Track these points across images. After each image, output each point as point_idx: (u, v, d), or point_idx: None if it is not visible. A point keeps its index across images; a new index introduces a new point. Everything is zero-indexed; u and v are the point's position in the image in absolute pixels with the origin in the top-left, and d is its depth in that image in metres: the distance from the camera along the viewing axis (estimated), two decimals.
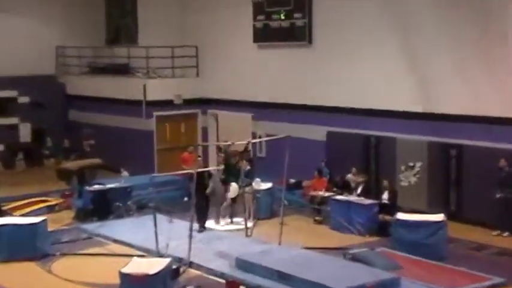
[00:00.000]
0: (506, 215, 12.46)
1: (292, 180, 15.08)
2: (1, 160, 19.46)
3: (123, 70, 19.46)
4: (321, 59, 15.86)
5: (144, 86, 18.03)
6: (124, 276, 9.52)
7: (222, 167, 13.77)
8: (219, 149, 16.29)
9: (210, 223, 13.26)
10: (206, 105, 18.69)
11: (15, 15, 19.92)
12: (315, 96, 15.95)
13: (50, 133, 19.91)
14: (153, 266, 9.78)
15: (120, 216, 14.05)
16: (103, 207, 14.08)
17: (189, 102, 18.42)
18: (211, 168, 14.61)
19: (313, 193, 14.20)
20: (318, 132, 15.71)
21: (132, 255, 10.95)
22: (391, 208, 12.78)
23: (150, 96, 18.06)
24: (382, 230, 12.64)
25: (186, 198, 15.16)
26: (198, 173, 11.77)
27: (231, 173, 13.41)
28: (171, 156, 17.18)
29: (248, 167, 13.93)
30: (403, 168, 14.20)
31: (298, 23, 16.18)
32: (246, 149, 13.72)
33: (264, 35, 17.08)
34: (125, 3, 20.54)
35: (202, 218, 12.90)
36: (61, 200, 15.22)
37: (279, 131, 14.80)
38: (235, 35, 17.90)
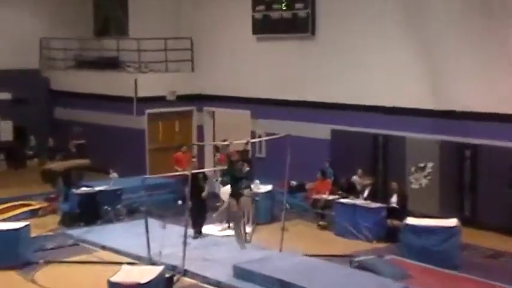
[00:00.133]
0: None
1: (293, 183, 15.08)
2: None
3: (112, 64, 19.44)
4: (324, 52, 15.84)
5: (135, 81, 18.01)
6: (113, 286, 9.51)
7: (224, 167, 13.73)
8: (215, 148, 16.27)
9: (210, 228, 13.25)
10: (202, 102, 18.67)
11: None
12: (318, 92, 15.93)
13: (33, 132, 19.88)
14: (144, 274, 9.77)
15: (109, 221, 14.04)
16: (91, 211, 14.07)
17: (183, 99, 18.40)
18: (207, 169, 14.59)
19: (316, 196, 14.19)
20: (321, 131, 15.70)
21: (121, 263, 10.92)
22: (400, 212, 12.77)
23: (142, 92, 18.04)
24: (390, 235, 12.63)
25: (180, 202, 15.19)
26: (193, 175, 11.74)
27: (231, 174, 13.35)
28: (164, 157, 17.16)
29: (247, 168, 13.88)
30: (413, 169, 14.18)
31: (301, 14, 16.17)
32: (244, 149, 13.69)
33: (263, 27, 17.05)
34: None
35: (197, 223, 12.89)
36: (45, 204, 15.19)
37: (279, 129, 14.79)
38: (233, 27, 17.87)
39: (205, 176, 13.14)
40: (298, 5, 16.20)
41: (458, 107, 13.62)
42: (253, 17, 17.21)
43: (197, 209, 12.66)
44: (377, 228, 12.81)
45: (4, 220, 13.58)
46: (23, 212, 14.57)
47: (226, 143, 13.04)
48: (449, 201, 13.68)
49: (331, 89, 15.68)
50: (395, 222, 12.61)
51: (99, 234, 13.21)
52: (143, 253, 11.45)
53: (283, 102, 16.65)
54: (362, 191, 13.79)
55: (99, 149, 17.94)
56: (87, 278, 11.10)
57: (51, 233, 13.52)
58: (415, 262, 11.14)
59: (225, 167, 13.73)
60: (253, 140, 14.90)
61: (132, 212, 14.49)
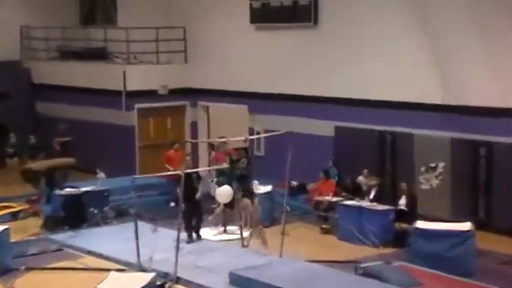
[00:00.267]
0: None
1: (294, 183, 15.08)
2: None
3: (99, 55, 19.39)
4: (328, 43, 15.81)
5: (124, 74, 17.97)
6: None
7: (219, 166, 13.71)
8: (211, 146, 16.25)
9: (205, 232, 13.23)
10: (195, 97, 18.64)
11: None
12: (321, 86, 15.91)
13: (13, 128, 19.79)
14: (134, 282, 9.80)
15: (95, 224, 14.01)
16: (76, 214, 14.04)
17: (175, 93, 18.38)
18: (202, 169, 14.57)
19: (318, 198, 14.18)
20: (324, 128, 15.68)
21: (109, 270, 10.91)
22: (410, 215, 12.76)
23: (131, 86, 18.00)
24: (398, 240, 12.63)
25: (172, 204, 15.17)
26: (186, 175, 11.72)
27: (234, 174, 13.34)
28: (155, 155, 17.14)
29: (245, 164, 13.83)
30: (423, 169, 14.17)
31: (302, 2, 16.14)
32: (243, 147, 13.69)
33: (262, 15, 17.02)
34: None
35: (190, 227, 12.87)
36: (26, 206, 15.16)
37: (279, 126, 14.77)
38: (230, 15, 17.83)
39: (199, 176, 13.13)
40: None
41: (471, 102, 13.59)
42: (251, 5, 17.17)
43: (190, 211, 12.64)
44: (384, 232, 12.79)
45: None
46: (2, 215, 14.53)
47: (223, 139, 13.01)
48: (462, 203, 13.67)
49: (334, 82, 15.65)
50: (404, 226, 12.62)
51: (84, 238, 13.18)
52: (133, 259, 11.41)
53: (283, 96, 16.63)
54: (368, 192, 13.79)
55: (85, 147, 17.93)
56: (72, 286, 11.06)
57: (32, 238, 13.48)
58: (425, 269, 11.13)
59: (221, 166, 13.71)
60: (251, 137, 14.87)
61: (120, 215, 14.46)
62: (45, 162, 16.24)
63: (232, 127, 16.56)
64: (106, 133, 18.33)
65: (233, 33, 17.75)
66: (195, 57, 18.64)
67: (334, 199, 13.84)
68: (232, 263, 11.44)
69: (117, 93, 18.08)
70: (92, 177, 15.70)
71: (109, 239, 13.07)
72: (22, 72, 20.49)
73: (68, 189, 14.63)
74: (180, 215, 11.47)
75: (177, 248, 11.07)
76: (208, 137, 18.02)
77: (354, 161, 14.70)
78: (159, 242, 11.75)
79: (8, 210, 14.79)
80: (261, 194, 14.19)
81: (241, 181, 12.76)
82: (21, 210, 14.93)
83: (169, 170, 14.39)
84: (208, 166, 15.99)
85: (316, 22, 16.01)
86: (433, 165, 14.04)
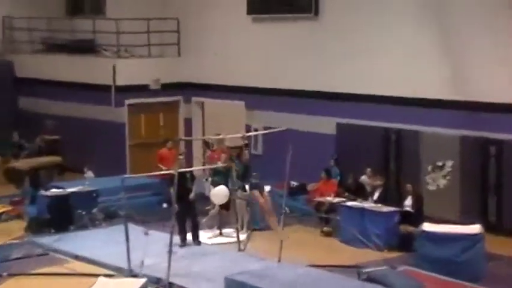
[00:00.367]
0: None
1: (294, 183, 15.06)
2: None
3: (87, 48, 19.37)
4: (329, 35, 15.80)
5: (114, 68, 17.96)
6: None
7: (214, 165, 13.71)
8: (205, 144, 16.24)
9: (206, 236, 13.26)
10: (190, 92, 18.63)
11: None
12: (322, 81, 15.89)
13: None
14: None
15: (83, 227, 13.99)
16: (62, 216, 14.00)
17: (168, 88, 18.36)
18: (197, 168, 14.56)
19: (319, 199, 14.17)
20: (325, 125, 15.68)
21: (98, 275, 10.89)
22: (416, 217, 12.77)
23: (121, 80, 17.98)
24: (404, 244, 12.61)
25: (164, 205, 15.15)
26: (180, 175, 11.69)
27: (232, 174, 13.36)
28: (146, 154, 17.13)
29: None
30: (430, 168, 14.18)
31: None
32: (241, 152, 13.76)
33: (260, 6, 17.01)
34: None
35: (184, 230, 12.85)
36: (9, 208, 15.13)
37: (278, 122, 14.78)
38: (226, 6, 17.82)
39: (192, 176, 13.12)
40: None
41: (481, 98, 13.59)
42: None
43: (184, 213, 12.62)
44: (389, 235, 12.78)
45: None
46: None
47: (219, 137, 13.02)
48: (471, 205, 13.67)
49: (336, 76, 15.64)
50: (410, 229, 12.60)
51: (71, 242, 13.15)
52: (122, 264, 11.40)
53: (282, 91, 16.62)
54: (372, 193, 13.78)
55: (72, 145, 17.90)
56: None
57: (16, 241, 13.44)
58: (432, 274, 11.11)
59: (217, 165, 13.72)
60: (248, 134, 14.87)
61: (109, 217, 14.43)
62: (29, 161, 16.23)
63: (228, 124, 16.56)
64: (94, 130, 18.30)
65: (229, 25, 17.73)
66: (189, 50, 18.61)
67: (336, 200, 13.83)
68: (228, 267, 11.41)
69: (106, 88, 18.05)
70: (80, 177, 15.69)
71: (97, 242, 13.05)
72: (4, 65, 20.44)
73: (53, 190, 14.59)
74: (173, 216, 11.45)
75: (170, 252, 11.04)
76: (203, 135, 18.00)
77: (357, 160, 14.69)
78: (151, 246, 11.66)
79: None
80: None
81: (246, 175, 12.78)
82: (3, 212, 14.90)
83: (162, 170, 14.37)
84: (203, 165, 15.97)
85: (316, 13, 15.99)
86: (440, 164, 14.04)
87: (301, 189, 15.34)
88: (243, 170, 13.70)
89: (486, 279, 11.12)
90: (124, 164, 17.69)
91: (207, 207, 14.16)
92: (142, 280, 10.12)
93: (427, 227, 11.86)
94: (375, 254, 12.53)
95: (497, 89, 13.41)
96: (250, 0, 17.17)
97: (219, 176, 13.74)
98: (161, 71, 18.32)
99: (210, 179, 14.30)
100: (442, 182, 14.06)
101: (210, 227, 13.77)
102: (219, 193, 13.25)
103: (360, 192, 14.06)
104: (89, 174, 15.47)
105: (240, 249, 12.69)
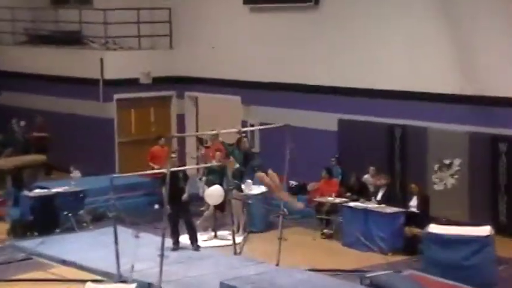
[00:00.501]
0: None
1: (293, 183, 15.08)
2: None
3: (73, 39, 19.37)
4: (330, 25, 15.80)
5: (101, 61, 17.94)
6: None
7: (209, 164, 13.73)
8: (200, 141, 16.24)
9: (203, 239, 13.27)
10: (182, 86, 18.63)
11: None
12: (323, 74, 15.90)
13: None
14: None
15: (69, 229, 13.96)
16: (47, 218, 14.00)
17: (160, 82, 18.35)
18: (190, 167, 14.56)
19: (320, 199, 14.18)
20: (327, 121, 15.69)
21: (85, 281, 10.84)
22: (422, 218, 12.78)
23: (109, 74, 17.98)
24: (409, 247, 12.65)
25: (156, 206, 15.14)
26: (172, 174, 11.69)
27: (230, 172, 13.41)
28: (136, 152, 17.17)
29: (236, 165, 13.88)
30: (436, 167, 14.19)
31: None
32: (239, 140, 13.79)
33: None
34: None
35: (177, 232, 12.86)
36: None
37: (276, 118, 14.77)
38: None
39: (186, 176, 13.11)
40: None
41: (491, 92, 13.60)
42: None
43: (177, 214, 12.62)
44: (393, 238, 12.81)
45: None
46: None
47: (213, 132, 13.03)
48: (481, 205, 13.69)
49: (338, 70, 15.64)
50: (415, 231, 12.62)
51: (57, 246, 13.13)
52: (111, 268, 11.40)
53: (280, 86, 16.62)
54: (375, 193, 13.78)
55: (57, 142, 17.89)
56: None
57: None
58: (438, 279, 11.09)
59: (212, 163, 13.73)
60: (245, 129, 14.88)
61: (98, 219, 14.45)
62: (12, 159, 16.21)
63: (223, 120, 16.55)
64: (81, 127, 18.30)
65: (225, 15, 17.72)
66: (182, 42, 18.60)
67: (338, 200, 13.85)
68: (223, 272, 11.43)
69: (93, 82, 18.03)
70: (66, 176, 15.65)
71: (85, 246, 13.03)
72: None
73: (37, 190, 14.57)
74: (165, 218, 11.44)
75: (162, 256, 11.05)
76: (197, 132, 17.99)
77: (360, 158, 14.70)
78: (141, 249, 11.64)
79: None
80: (256, 195, 14.22)
81: (247, 162, 12.83)
82: None
83: (153, 168, 14.36)
84: (197, 163, 15.97)
85: (317, 2, 15.99)
86: (447, 162, 14.05)
87: (301, 189, 15.36)
88: (242, 158, 13.70)
89: (497, 284, 11.16)
90: (113, 163, 17.68)
91: (201, 208, 14.17)
92: (133, 286, 10.11)
93: (434, 228, 11.84)
94: (379, 257, 12.56)
95: (508, 83, 13.42)
96: None
97: (214, 175, 13.75)
98: (152, 63, 18.29)
99: (204, 178, 14.31)
100: (450, 182, 14.08)
101: (205, 229, 13.78)
102: (214, 193, 13.25)
103: (362, 192, 14.07)
104: (76, 173, 15.46)
105: (236, 253, 12.69)
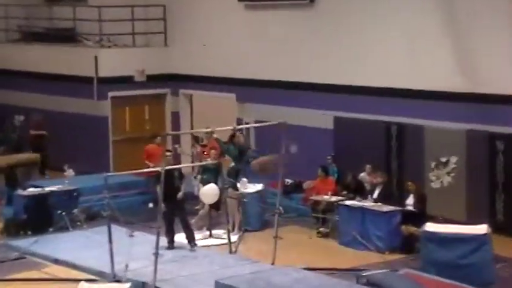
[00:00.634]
0: None
1: (289, 181, 15.05)
2: None
3: (67, 37, 19.32)
4: (326, 23, 15.77)
5: (96, 58, 17.89)
6: None
7: (205, 162, 13.69)
8: (195, 139, 16.20)
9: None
10: (177, 84, 18.60)
11: None
12: (319, 72, 15.86)
13: None
14: None
15: (63, 228, 13.92)
16: (40, 217, 13.95)
17: (154, 80, 18.33)
18: (185, 165, 14.52)
19: (316, 197, 14.14)
20: (322, 119, 15.66)
21: (79, 280, 10.80)
22: (418, 217, 12.74)
23: (104, 72, 17.93)
24: (406, 245, 12.64)
25: (150, 205, 15.10)
26: (167, 172, 11.64)
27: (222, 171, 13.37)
28: (131, 150, 17.13)
29: (232, 164, 13.84)
30: (433, 165, 14.17)
31: None
32: (233, 136, 13.75)
33: None
34: None
35: (171, 231, 12.81)
36: None
37: (271, 116, 14.73)
38: None
39: (181, 174, 13.06)
40: None
41: (489, 89, 13.58)
42: None
43: (171, 213, 12.57)
44: (390, 237, 12.79)
45: None
46: None
47: (208, 129, 12.99)
48: (478, 203, 13.66)
49: (334, 67, 15.61)
50: (412, 229, 12.59)
51: (50, 245, 13.08)
52: (105, 268, 11.38)
53: (275, 83, 16.59)
54: (371, 191, 13.76)
55: (51, 141, 17.82)
56: None
57: None
58: (435, 277, 11.07)
59: (206, 162, 13.69)
60: (239, 127, 14.84)
61: (91, 218, 14.42)
62: (5, 158, 16.12)
63: (218, 118, 16.51)
64: (75, 125, 18.25)
65: (220, 12, 17.70)
66: (177, 39, 18.57)
67: (334, 199, 13.82)
68: (218, 271, 11.41)
69: (87, 80, 17.99)
70: (60, 175, 15.59)
71: (78, 245, 13.00)
72: None
73: (31, 189, 14.52)
74: (159, 217, 11.39)
75: (156, 255, 11.01)
76: (192, 129, 17.94)
77: (356, 156, 14.67)
78: (136, 248, 11.64)
79: None
80: (251, 193, 14.19)
81: (242, 157, 12.82)
82: None
83: (149, 167, 14.30)
84: (192, 162, 15.92)
85: None
86: (444, 160, 14.03)
87: (297, 188, 15.33)
88: (237, 154, 13.65)
89: (494, 283, 11.13)
90: (107, 161, 17.64)
91: (196, 207, 14.12)
92: (127, 285, 10.08)
93: (431, 227, 11.83)
94: (375, 256, 12.55)
95: (506, 80, 13.40)
96: None
97: (209, 174, 13.70)
98: (147, 61, 18.27)
99: (199, 176, 14.26)
100: (447, 180, 14.05)
101: (200, 228, 13.75)
102: (209, 192, 13.21)
103: (359, 190, 14.07)
104: (69, 172, 15.40)
105: (231, 252, 12.65)
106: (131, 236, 12.02)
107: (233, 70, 17.31)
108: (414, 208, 13.09)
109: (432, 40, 14.24)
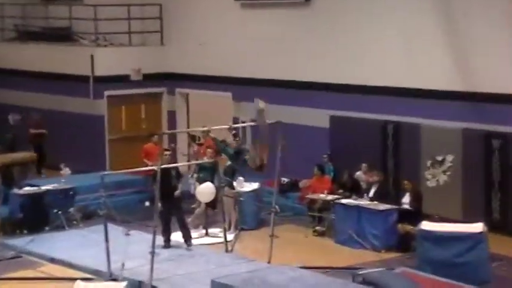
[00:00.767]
0: None
1: (285, 180, 15.04)
2: None
3: (63, 36, 19.30)
4: (322, 22, 15.76)
5: (92, 57, 17.86)
6: None
7: (201, 161, 13.68)
8: (192, 138, 16.19)
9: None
10: (173, 83, 18.58)
11: None
12: (315, 71, 15.86)
13: None
14: None
15: (59, 227, 13.91)
16: (36, 216, 13.93)
17: (151, 79, 18.31)
18: (181, 164, 14.50)
19: (312, 196, 14.13)
20: (318, 117, 15.65)
21: (75, 279, 10.76)
22: (414, 215, 12.74)
23: (100, 71, 17.90)
24: (402, 244, 12.64)
25: (147, 203, 15.08)
26: (164, 171, 11.62)
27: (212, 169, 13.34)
28: (127, 149, 17.13)
29: (228, 162, 13.82)
30: (429, 163, 14.17)
31: None
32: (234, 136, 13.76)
33: None
34: None
35: (168, 230, 12.79)
36: None
37: (268, 115, 14.66)
38: None
39: (179, 173, 13.04)
40: None
41: (485, 88, 13.58)
42: None
43: (168, 211, 12.56)
44: (386, 235, 12.79)
45: None
46: None
47: (204, 128, 12.97)
48: (474, 202, 13.67)
49: (330, 66, 15.60)
50: (408, 228, 12.59)
51: (46, 244, 13.08)
52: (102, 266, 11.37)
53: (272, 82, 16.58)
54: (367, 190, 13.77)
55: (47, 139, 17.76)
56: None
57: None
58: (431, 276, 11.07)
59: (203, 160, 13.68)
60: (235, 126, 14.83)
61: (88, 217, 14.39)
62: (1, 156, 16.08)
63: (214, 117, 16.50)
64: (71, 124, 18.23)
65: (216, 11, 17.69)
66: (173, 38, 18.55)
67: (330, 197, 13.81)
68: (214, 270, 11.40)
69: (83, 79, 17.96)
70: (56, 173, 15.57)
71: (75, 244, 12.99)
72: None
73: (27, 188, 14.51)
74: (156, 215, 11.38)
75: (153, 253, 10.99)
76: (188, 128, 17.92)
77: (352, 155, 14.68)
78: (132, 247, 11.68)
79: None
80: (247, 192, 14.19)
81: (238, 156, 12.85)
82: None
83: (147, 165, 14.29)
84: (188, 161, 15.91)
85: None
86: (440, 158, 14.04)
87: (293, 186, 15.33)
88: (233, 153, 13.62)
89: (490, 281, 11.12)
90: (103, 160, 17.63)
91: (192, 206, 14.11)
92: (123, 284, 10.04)
93: (427, 225, 11.83)
94: (371, 254, 12.57)
95: (502, 79, 13.40)
96: None
97: (205, 172, 13.68)
98: (143, 60, 18.26)
99: (195, 175, 14.25)
100: (442, 178, 14.06)
101: (196, 227, 13.74)
102: (205, 191, 13.20)
103: (355, 189, 14.10)
104: (66, 170, 15.37)
105: (227, 250, 12.65)
106: (127, 234, 12.03)
107: (229, 69, 17.30)
108: (410, 207, 13.10)
109: (428, 39, 14.24)
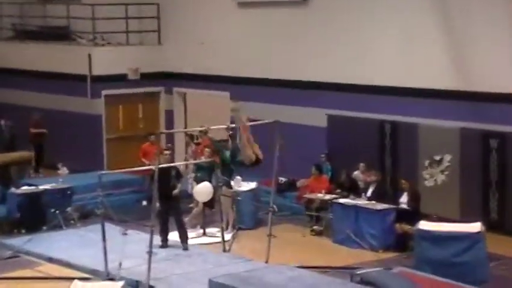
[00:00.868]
0: None
1: (282, 179, 15.04)
2: None
3: (60, 35, 19.28)
4: (320, 21, 15.74)
5: (89, 57, 17.84)
6: None
7: (200, 160, 13.68)
8: (190, 138, 16.17)
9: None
10: (171, 82, 18.56)
11: None
12: (312, 70, 15.85)
13: None
14: None
15: (57, 227, 13.90)
16: (34, 215, 13.93)
17: (148, 78, 18.29)
18: (179, 163, 14.49)
19: (310, 196, 14.12)
20: (316, 117, 15.64)
21: (72, 278, 10.73)
22: (412, 215, 12.74)
23: (97, 70, 17.89)
24: (399, 243, 12.64)
25: (144, 203, 15.06)
26: (162, 170, 11.60)
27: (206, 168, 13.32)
28: (124, 148, 17.12)
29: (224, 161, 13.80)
30: (427, 163, 14.16)
31: None
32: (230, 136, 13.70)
33: None
34: None
35: (166, 229, 12.77)
36: None
37: (265, 114, 14.66)
38: None
39: (179, 173, 13.02)
40: None
41: (483, 87, 13.56)
42: None
43: (166, 211, 12.54)
44: (384, 235, 12.79)
45: None
46: None
47: (202, 128, 12.95)
48: (472, 202, 13.66)
49: (327, 65, 15.59)
50: (406, 228, 12.59)
51: (44, 243, 13.06)
52: (99, 266, 11.36)
53: (269, 81, 16.57)
54: (365, 190, 13.76)
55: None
56: None
57: None
58: (429, 275, 11.08)
59: (200, 160, 13.66)
60: (233, 126, 14.79)
61: (85, 216, 14.39)
62: None
63: (212, 116, 16.49)
64: (69, 123, 18.21)
65: (213, 10, 17.67)
66: (170, 38, 18.54)
67: (328, 197, 13.81)
68: (212, 270, 11.39)
69: (81, 78, 17.94)
70: (53, 173, 15.55)
71: (72, 243, 12.99)
72: None
73: (25, 187, 14.49)
74: (153, 215, 11.36)
75: (150, 253, 10.99)
76: (185, 128, 17.92)
77: (350, 155, 14.68)
78: (130, 247, 11.65)
79: None
80: (245, 191, 14.17)
81: (233, 157, 12.84)
82: None
83: (145, 165, 14.27)
84: (186, 160, 15.89)
85: None
86: (437, 158, 14.03)
87: (290, 186, 15.33)
88: (229, 157, 13.61)
89: (488, 281, 11.12)
90: (101, 159, 17.62)
91: (190, 205, 14.09)
92: (120, 283, 10.03)
93: (424, 225, 11.84)
94: (369, 254, 12.57)
95: (500, 78, 13.39)
96: None
97: (203, 172, 13.67)
98: (140, 59, 18.24)
99: (193, 174, 14.23)
100: (440, 178, 14.06)
101: (193, 227, 13.73)
102: (203, 190, 13.18)
103: (353, 188, 14.10)
104: (63, 170, 15.34)
105: (225, 250, 12.64)
106: (125, 234, 12.01)
107: (227, 68, 17.29)
108: (408, 206, 13.10)
109: (426, 39, 14.23)
